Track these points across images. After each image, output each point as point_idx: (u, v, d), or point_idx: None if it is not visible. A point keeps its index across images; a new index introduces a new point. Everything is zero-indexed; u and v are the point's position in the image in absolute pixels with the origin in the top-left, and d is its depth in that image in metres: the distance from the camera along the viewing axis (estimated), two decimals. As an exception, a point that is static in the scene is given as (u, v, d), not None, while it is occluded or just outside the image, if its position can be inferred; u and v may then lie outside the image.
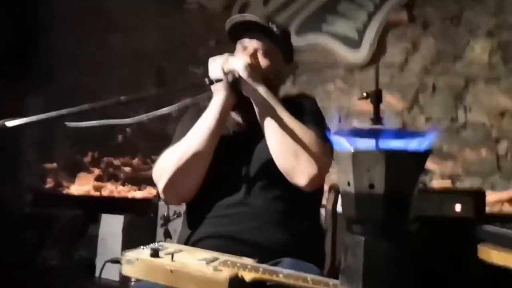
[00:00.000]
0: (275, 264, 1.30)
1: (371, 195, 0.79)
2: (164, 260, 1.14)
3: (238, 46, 1.60)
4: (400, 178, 0.79)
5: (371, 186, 0.79)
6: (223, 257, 1.17)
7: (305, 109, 1.58)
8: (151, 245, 1.22)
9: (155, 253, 1.16)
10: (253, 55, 1.54)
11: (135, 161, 3.64)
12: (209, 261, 1.11)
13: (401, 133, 0.79)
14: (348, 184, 0.82)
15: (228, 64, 1.46)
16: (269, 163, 1.45)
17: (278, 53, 1.60)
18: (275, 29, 1.57)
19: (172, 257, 1.14)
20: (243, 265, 1.07)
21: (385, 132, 0.80)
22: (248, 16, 1.57)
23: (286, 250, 1.39)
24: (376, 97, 0.86)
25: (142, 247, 1.22)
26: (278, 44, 1.59)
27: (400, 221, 0.81)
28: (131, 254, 1.16)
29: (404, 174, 0.79)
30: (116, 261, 1.38)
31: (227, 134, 1.58)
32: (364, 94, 0.87)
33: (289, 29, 3.02)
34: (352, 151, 0.80)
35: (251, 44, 1.56)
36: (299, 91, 3.11)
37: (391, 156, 0.79)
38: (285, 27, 1.69)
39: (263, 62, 1.54)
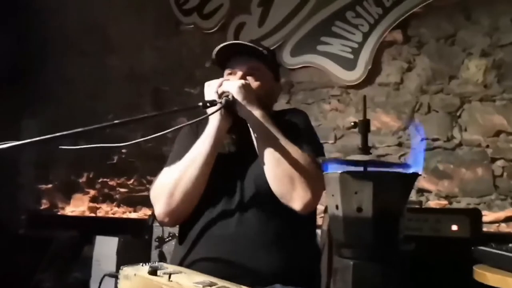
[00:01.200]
0: (267, 290, 1.29)
1: (359, 219, 0.79)
2: (161, 279, 1.13)
3: (226, 72, 1.62)
4: (388, 201, 0.79)
5: (359, 209, 0.79)
6: (221, 283, 1.15)
7: (297, 126, 1.59)
8: (151, 263, 1.21)
9: (153, 271, 1.15)
10: (242, 78, 1.55)
11: (131, 182, 3.63)
12: (205, 285, 1.10)
13: (386, 165, 0.79)
14: (337, 207, 0.82)
15: (222, 87, 1.47)
16: (263, 185, 1.45)
17: (268, 73, 1.61)
18: (261, 49, 1.60)
19: (170, 277, 1.13)
20: (240, 291, 1.06)
21: (372, 163, 0.80)
22: (233, 41, 1.60)
23: (280, 273, 1.38)
24: (364, 127, 0.85)
25: (141, 264, 1.21)
26: (267, 65, 1.61)
27: (389, 245, 0.81)
28: (129, 270, 1.16)
29: (392, 197, 0.79)
30: (114, 276, 1.38)
31: (222, 154, 1.59)
32: (352, 123, 0.87)
33: (280, 48, 3.11)
34: (340, 173, 0.80)
35: (239, 67, 1.57)
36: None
37: (379, 179, 0.79)
38: (268, 48, 1.73)
39: (253, 83, 1.55)
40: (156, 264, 1.22)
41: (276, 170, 1.41)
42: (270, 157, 1.42)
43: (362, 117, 0.86)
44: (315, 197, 1.39)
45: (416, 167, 0.83)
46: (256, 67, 1.59)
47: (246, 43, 1.60)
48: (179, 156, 1.54)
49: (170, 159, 1.61)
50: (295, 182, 1.38)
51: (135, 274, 1.14)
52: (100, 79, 3.79)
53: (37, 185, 3.88)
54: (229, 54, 1.60)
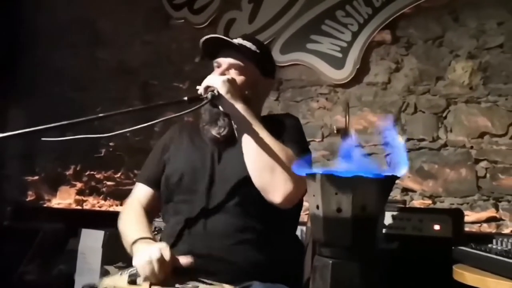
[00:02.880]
0: (246, 287, 1.31)
1: (339, 219, 0.81)
2: (142, 288, 1.14)
3: (214, 65, 1.64)
4: (367, 203, 0.81)
5: (339, 210, 0.81)
6: (202, 286, 1.17)
7: (286, 128, 1.61)
8: (130, 271, 1.21)
9: (132, 281, 1.16)
10: (224, 72, 1.58)
11: (118, 175, 3.62)
12: (188, 289, 1.11)
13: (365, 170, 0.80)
14: (317, 207, 0.84)
15: (206, 82, 1.49)
16: (244, 181, 1.47)
17: (253, 68, 1.62)
18: (248, 45, 1.61)
19: (150, 286, 1.14)
20: (221, 292, 1.08)
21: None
22: (217, 35, 1.61)
23: (259, 270, 1.40)
24: (345, 135, 0.87)
25: (120, 272, 1.21)
26: (253, 60, 1.61)
27: (367, 245, 0.83)
28: (107, 282, 1.16)
29: (371, 199, 0.81)
30: (93, 287, 1.37)
31: (203, 150, 1.61)
32: (335, 131, 0.89)
33: (269, 45, 3.09)
34: (321, 175, 0.82)
35: (224, 61, 1.60)
36: (283, 108, 3.15)
37: (359, 181, 0.81)
38: (261, 43, 1.73)
39: (237, 78, 1.57)
40: (134, 270, 1.22)
41: (257, 162, 1.42)
42: (251, 149, 1.44)
43: (345, 125, 0.88)
44: (297, 190, 1.39)
45: (401, 169, 0.84)
46: (239, 60, 1.60)
47: (225, 38, 1.62)
48: (146, 169, 1.72)
49: (142, 169, 1.77)
50: (275, 173, 1.39)
51: (114, 287, 1.14)
52: (89, 72, 3.77)
53: (23, 176, 3.86)
54: (218, 47, 1.62)
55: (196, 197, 1.51)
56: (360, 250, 0.82)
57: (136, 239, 1.41)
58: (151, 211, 1.67)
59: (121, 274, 1.22)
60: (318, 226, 0.84)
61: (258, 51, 1.64)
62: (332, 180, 0.81)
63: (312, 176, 0.84)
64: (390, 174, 0.82)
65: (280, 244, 1.50)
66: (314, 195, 0.84)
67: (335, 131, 0.81)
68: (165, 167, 1.65)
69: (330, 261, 0.82)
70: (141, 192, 1.70)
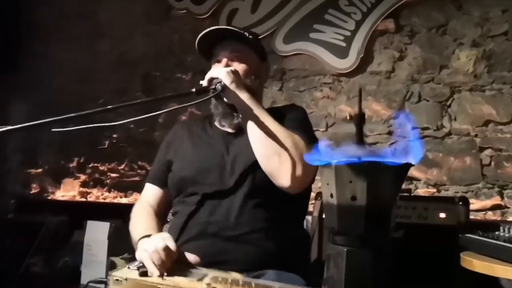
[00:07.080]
0: (258, 276, 1.31)
1: (353, 207, 0.81)
2: (154, 279, 1.14)
3: (213, 61, 1.64)
4: (382, 191, 0.80)
5: (353, 198, 0.81)
6: (212, 273, 1.17)
7: (291, 116, 1.62)
8: (136, 263, 1.21)
9: (144, 272, 1.16)
10: (227, 64, 1.58)
11: (122, 167, 3.62)
12: (200, 278, 1.11)
13: (382, 155, 0.80)
14: (331, 196, 0.84)
15: (210, 73, 1.50)
16: (253, 170, 1.47)
17: (253, 54, 1.64)
18: (238, 30, 1.62)
19: (162, 276, 1.14)
20: (235, 281, 1.08)
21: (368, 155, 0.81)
22: (211, 28, 1.61)
23: (269, 259, 1.40)
24: (359, 120, 0.87)
25: (127, 266, 1.21)
26: (251, 46, 1.63)
27: (381, 233, 0.83)
28: (119, 274, 1.16)
29: (385, 187, 0.81)
30: (102, 282, 1.37)
31: (211, 142, 1.61)
32: (348, 117, 0.89)
33: (272, 35, 3.13)
34: (335, 163, 0.82)
35: (223, 53, 1.60)
36: (286, 98, 3.15)
37: (373, 169, 0.81)
38: (249, 30, 1.74)
39: (238, 66, 1.58)
40: (140, 263, 1.22)
41: (264, 148, 1.43)
42: (258, 136, 1.45)
43: (358, 110, 0.88)
44: (305, 174, 1.40)
45: (416, 157, 0.83)
46: (238, 49, 1.62)
47: (221, 26, 1.63)
48: (153, 169, 1.75)
49: (150, 171, 1.79)
50: (283, 158, 1.40)
51: (126, 279, 1.14)
52: (90, 63, 3.76)
53: (26, 169, 3.86)
54: (212, 43, 1.63)
55: (206, 188, 1.51)
56: (374, 238, 0.82)
57: (140, 237, 1.40)
58: (161, 210, 1.67)
59: (128, 267, 1.22)
60: (332, 214, 0.84)
61: (251, 37, 1.66)
62: (347, 168, 0.81)
63: (326, 164, 0.84)
64: (404, 161, 0.82)
65: (289, 232, 1.51)
66: (328, 184, 0.84)
67: (348, 118, 0.80)
68: (172, 165, 1.65)
69: (345, 249, 0.82)
70: (149, 192, 1.72)
